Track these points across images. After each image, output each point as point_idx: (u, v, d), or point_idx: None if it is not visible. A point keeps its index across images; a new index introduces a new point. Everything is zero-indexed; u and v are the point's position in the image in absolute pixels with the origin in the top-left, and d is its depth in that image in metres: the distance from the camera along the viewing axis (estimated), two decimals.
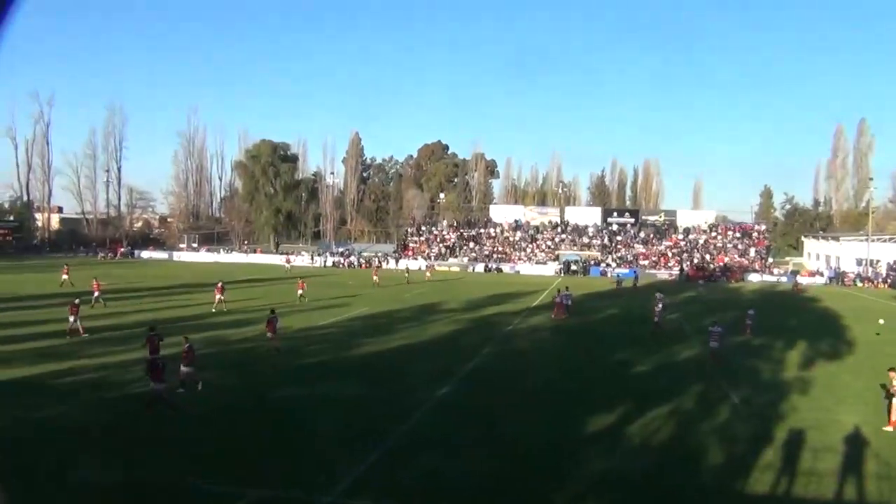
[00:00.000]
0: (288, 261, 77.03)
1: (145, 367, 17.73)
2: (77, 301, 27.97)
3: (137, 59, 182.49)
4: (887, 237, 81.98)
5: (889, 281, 68.93)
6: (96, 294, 36.24)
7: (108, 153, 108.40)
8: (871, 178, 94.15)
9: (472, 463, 13.81)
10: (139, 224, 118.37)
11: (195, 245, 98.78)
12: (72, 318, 26.79)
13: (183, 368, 18.55)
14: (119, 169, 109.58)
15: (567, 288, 40.00)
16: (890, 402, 17.23)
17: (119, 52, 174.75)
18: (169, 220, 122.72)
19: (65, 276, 45.37)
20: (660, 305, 33.26)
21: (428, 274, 64.70)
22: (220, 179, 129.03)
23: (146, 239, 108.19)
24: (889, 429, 16.80)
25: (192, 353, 18.90)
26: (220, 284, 36.82)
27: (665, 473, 13.69)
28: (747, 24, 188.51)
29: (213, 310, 34.82)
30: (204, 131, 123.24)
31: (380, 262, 75.89)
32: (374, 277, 55.16)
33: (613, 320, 37.12)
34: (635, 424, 16.93)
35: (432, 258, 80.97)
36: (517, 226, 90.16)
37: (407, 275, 61.36)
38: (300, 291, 40.62)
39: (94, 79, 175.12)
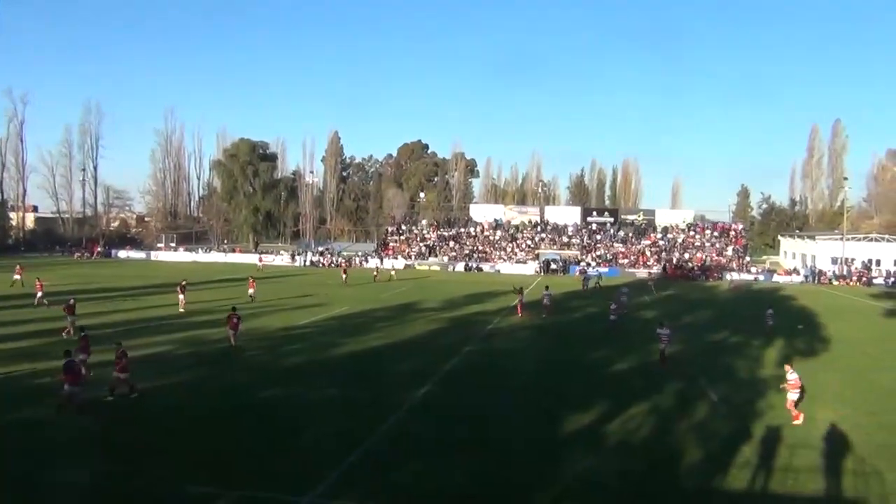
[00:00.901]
0: (260, 259, 76.62)
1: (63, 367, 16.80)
2: (72, 301, 27.65)
3: (114, 57, 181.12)
4: (861, 236, 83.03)
5: (864, 279, 69.83)
6: (39, 294, 35.89)
7: (84, 151, 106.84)
8: (845, 178, 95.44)
9: (453, 463, 13.78)
10: (116, 223, 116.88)
11: (173, 244, 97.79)
12: (70, 319, 26.70)
13: (115, 375, 17.97)
14: (95, 168, 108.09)
15: (547, 287, 40.41)
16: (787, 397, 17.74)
17: (96, 50, 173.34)
18: (146, 219, 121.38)
19: (17, 277, 44.52)
20: (623, 299, 34.21)
21: (392, 273, 63.86)
22: (199, 178, 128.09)
23: (123, 238, 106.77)
24: (797, 422, 17.15)
25: (124, 359, 18.09)
26: (182, 283, 36.38)
27: (644, 472, 13.75)
28: (726, 27, 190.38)
29: (182, 310, 34.43)
30: (182, 130, 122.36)
31: (349, 261, 75.45)
32: (343, 276, 55.28)
33: (593, 319, 37.18)
34: (615, 423, 17.00)
35: (399, 259, 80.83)
36: (497, 225, 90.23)
37: (376, 273, 61.02)
38: (251, 291, 40.53)
39: (70, 76, 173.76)
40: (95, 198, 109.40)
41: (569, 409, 17.97)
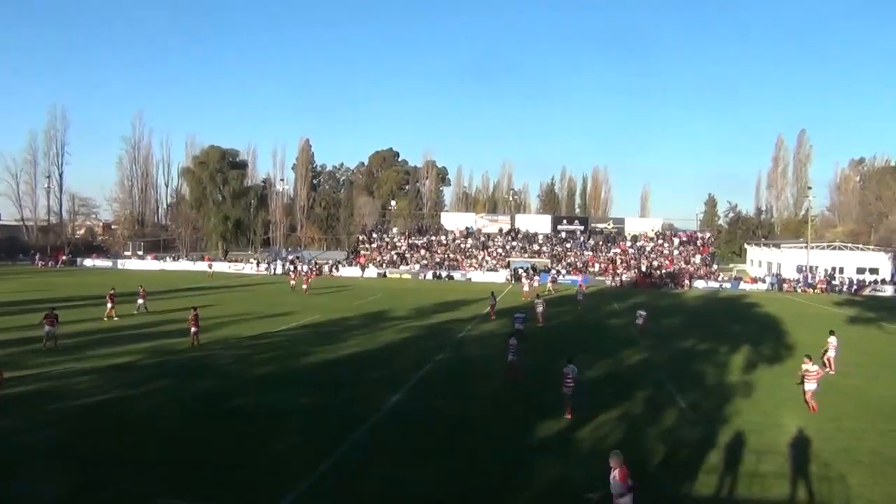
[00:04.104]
0: (210, 266, 76.11)
1: None
2: (53, 311, 26.92)
3: (81, 62, 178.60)
4: (825, 244, 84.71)
5: (827, 287, 71.16)
6: None
7: (49, 158, 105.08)
8: (809, 188, 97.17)
9: (425, 471, 13.78)
10: (82, 231, 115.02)
11: (140, 253, 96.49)
12: (47, 328, 26.09)
13: None
14: (61, 175, 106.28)
15: (539, 295, 41.08)
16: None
17: (61, 54, 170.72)
18: (113, 227, 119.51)
19: None
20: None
21: (301, 285, 56.98)
22: (167, 186, 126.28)
23: (89, 246, 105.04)
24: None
25: None
26: (111, 292, 35.87)
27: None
28: (696, 38, 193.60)
29: (106, 319, 34.02)
30: (149, 137, 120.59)
31: (311, 269, 74.97)
32: (303, 286, 55.13)
33: (563, 326, 37.41)
34: (585, 430, 17.13)
35: (371, 267, 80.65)
36: (468, 233, 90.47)
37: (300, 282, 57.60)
38: (140, 301, 37.46)
39: (35, 82, 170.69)
40: (60, 205, 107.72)
41: (540, 416, 18.06)
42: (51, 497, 12.06)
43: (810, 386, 19.36)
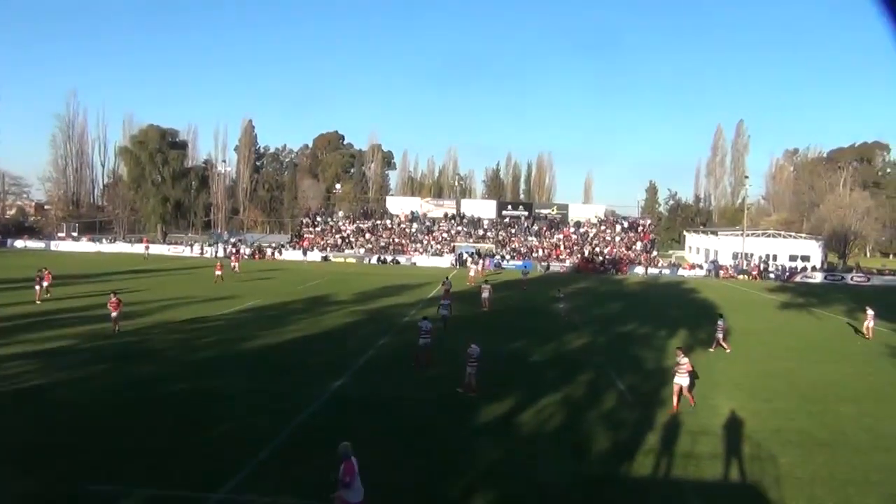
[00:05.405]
0: (146, 248, 74.71)
1: None
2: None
3: (9, 38, 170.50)
4: (760, 232, 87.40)
5: (762, 274, 73.43)
6: None
7: None
8: (746, 177, 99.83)
9: (367, 458, 13.64)
10: (13, 211, 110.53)
11: (75, 234, 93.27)
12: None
13: None
14: None
15: (487, 280, 41.39)
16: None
17: None
18: (46, 207, 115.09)
19: None
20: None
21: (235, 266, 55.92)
22: (103, 166, 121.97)
23: (20, 227, 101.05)
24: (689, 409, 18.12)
25: None
26: (39, 273, 34.73)
27: (553, 461, 14.06)
28: (638, 27, 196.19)
29: (38, 302, 33.07)
30: (84, 115, 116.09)
31: (237, 249, 73.98)
32: (234, 265, 54.89)
33: (513, 311, 37.63)
34: (527, 413, 17.32)
35: (314, 251, 79.94)
36: (413, 217, 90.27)
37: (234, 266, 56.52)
38: (45, 283, 35.00)
39: None
40: None
41: (484, 400, 18.15)
42: None
43: (682, 380, 18.07)
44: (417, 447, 14.15)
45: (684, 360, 18.37)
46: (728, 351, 26.77)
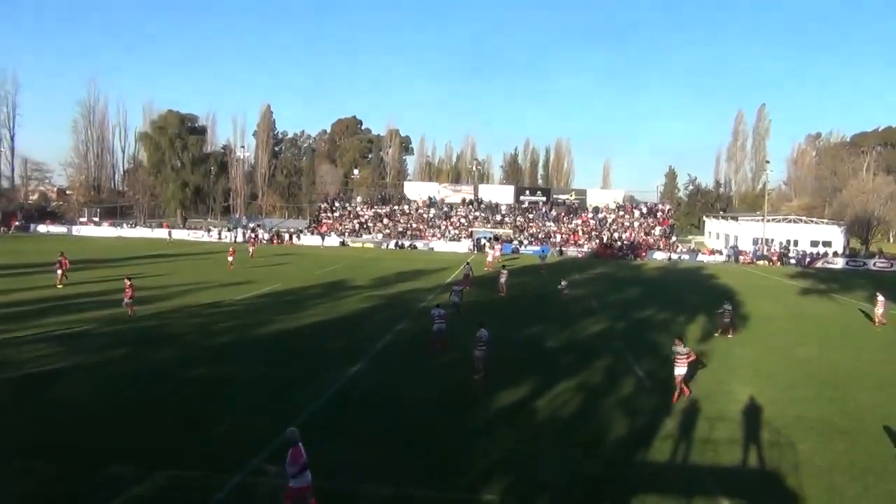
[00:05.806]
0: (169, 234, 75.49)
1: None
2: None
3: (34, 25, 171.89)
4: (780, 217, 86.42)
5: (782, 260, 72.71)
6: None
7: None
8: (767, 162, 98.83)
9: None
10: (35, 196, 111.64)
11: (96, 219, 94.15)
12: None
13: None
14: (12, 138, 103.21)
15: (504, 266, 41.12)
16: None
17: (13, 16, 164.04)
18: (68, 192, 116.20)
19: None
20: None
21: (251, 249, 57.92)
22: (124, 151, 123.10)
23: (43, 212, 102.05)
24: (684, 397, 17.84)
25: None
26: (63, 259, 34.85)
27: (571, 447, 14.02)
28: (659, 13, 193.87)
29: (60, 286, 33.32)
30: (105, 101, 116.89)
31: (256, 235, 74.54)
32: (250, 249, 55.62)
33: (528, 296, 37.54)
34: (543, 399, 17.26)
35: (332, 236, 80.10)
36: (431, 203, 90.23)
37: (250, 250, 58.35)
38: (59, 271, 34.54)
39: None
40: (13, 170, 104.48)
41: (499, 386, 18.13)
42: None
43: (680, 370, 17.63)
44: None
45: (683, 349, 17.89)
46: (730, 337, 26.60)
